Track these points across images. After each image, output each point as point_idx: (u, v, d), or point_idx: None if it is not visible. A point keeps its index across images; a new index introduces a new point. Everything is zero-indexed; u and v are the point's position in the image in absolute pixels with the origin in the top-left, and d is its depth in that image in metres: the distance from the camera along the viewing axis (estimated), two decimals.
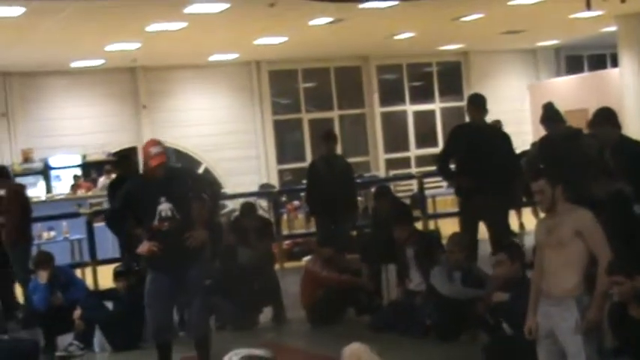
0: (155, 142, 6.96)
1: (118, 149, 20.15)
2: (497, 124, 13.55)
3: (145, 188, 6.98)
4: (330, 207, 10.54)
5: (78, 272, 11.67)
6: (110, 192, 11.04)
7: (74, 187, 18.49)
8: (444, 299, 8.07)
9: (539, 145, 9.31)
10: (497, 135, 9.48)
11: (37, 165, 18.79)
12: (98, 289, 11.42)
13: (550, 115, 9.00)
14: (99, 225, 14.21)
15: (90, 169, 19.63)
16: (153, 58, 19.54)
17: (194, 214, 7.09)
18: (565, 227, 5.57)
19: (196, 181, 7.24)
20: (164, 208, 6.82)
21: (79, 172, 19.43)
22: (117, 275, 9.38)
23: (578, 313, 5.51)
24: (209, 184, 7.35)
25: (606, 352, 6.05)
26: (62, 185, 19.10)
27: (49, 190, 18.94)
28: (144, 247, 6.88)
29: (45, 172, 19.16)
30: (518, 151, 10.76)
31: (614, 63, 23.29)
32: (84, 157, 19.79)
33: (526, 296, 6.21)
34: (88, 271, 12.87)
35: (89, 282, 11.87)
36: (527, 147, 15.64)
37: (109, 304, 9.32)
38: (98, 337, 9.10)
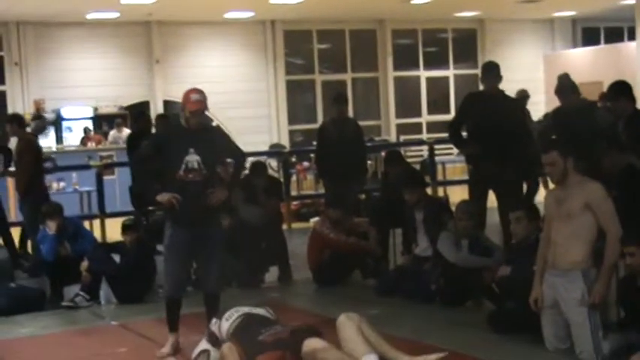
0: (197, 90, 6.90)
1: (130, 103, 20.22)
2: (523, 93, 13.49)
3: (177, 136, 6.93)
4: (339, 169, 10.53)
5: (86, 224, 11.72)
6: (130, 145, 11.04)
7: (85, 140, 18.53)
8: (450, 265, 8.09)
9: (553, 116, 9.27)
10: (509, 104, 9.43)
11: (49, 115, 18.81)
12: (106, 241, 11.48)
13: (565, 86, 8.95)
14: (108, 178, 14.33)
15: (101, 121, 19.66)
16: (168, 12, 19.47)
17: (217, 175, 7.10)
18: (575, 199, 5.58)
19: (228, 145, 7.19)
20: (191, 159, 6.76)
21: (90, 124, 19.46)
22: (125, 228, 9.42)
23: (585, 285, 5.53)
24: (238, 152, 7.28)
25: (610, 324, 6.07)
26: (73, 137, 19.14)
27: (59, 141, 18.99)
28: (164, 197, 6.78)
29: (57, 122, 19.19)
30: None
31: (631, 36, 23.11)
32: (95, 109, 19.81)
33: (527, 268, 6.25)
34: (97, 223, 12.93)
35: (97, 234, 11.94)
36: (540, 117, 15.63)
37: (117, 257, 9.36)
38: (104, 289, 9.16)
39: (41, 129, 14.27)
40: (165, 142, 7.01)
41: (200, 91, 6.89)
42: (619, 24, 26.04)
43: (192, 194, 6.74)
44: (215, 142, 7.00)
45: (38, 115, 16.24)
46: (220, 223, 7.23)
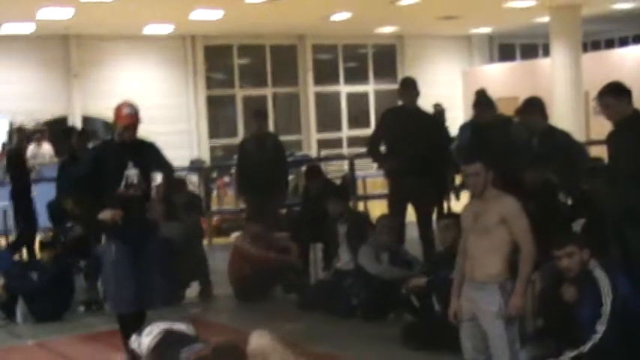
0: (128, 104, 6.85)
1: (48, 118, 19.89)
2: (438, 107, 13.67)
3: (114, 151, 6.85)
4: (260, 184, 10.53)
5: (2, 241, 11.49)
6: (61, 173, 10.76)
7: (1, 154, 18.14)
8: (371, 279, 8.15)
9: (470, 131, 9.42)
10: (427, 119, 9.57)
11: None
12: (23, 258, 11.26)
13: (482, 101, 9.11)
14: None
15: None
16: (86, 26, 19.25)
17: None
18: (491, 213, 5.67)
19: (160, 158, 7.13)
20: (131, 173, 6.71)
21: (6, 138, 19.05)
22: (43, 246, 9.27)
23: (502, 298, 5.62)
24: (168, 166, 7.22)
25: (527, 335, 6.18)
26: None
27: None
28: (107, 215, 6.70)
29: None
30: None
31: (546, 53, 23.64)
32: (11, 124, 19.41)
33: (444, 279, 6.34)
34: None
35: None
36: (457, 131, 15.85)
37: (34, 275, 9.19)
38: (21, 307, 8.98)
39: None
40: (102, 158, 6.91)
41: (131, 105, 6.85)
42: (534, 41, 26.65)
43: (133, 209, 6.69)
44: (151, 155, 6.95)
45: None
46: (156, 238, 7.10)
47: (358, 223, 9.02)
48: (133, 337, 5.91)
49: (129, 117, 6.76)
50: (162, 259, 7.12)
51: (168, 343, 5.73)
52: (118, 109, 6.81)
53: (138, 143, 6.89)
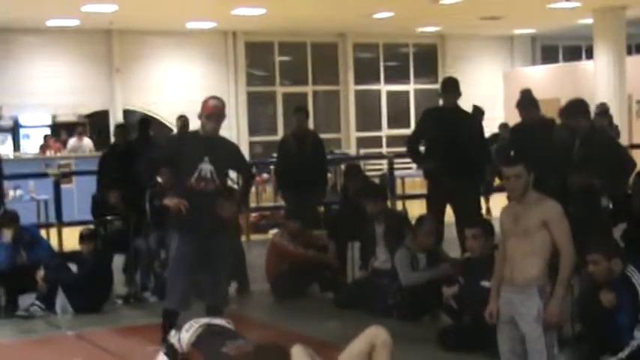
0: (216, 97, 6.89)
1: (89, 112, 20.09)
2: (477, 109, 13.58)
3: (192, 142, 6.85)
4: (299, 182, 10.55)
5: (43, 233, 11.61)
6: (102, 167, 10.87)
7: (43, 147, 18.37)
8: None
9: (512, 132, 9.37)
10: (468, 119, 9.52)
11: (6, 122, 18.63)
12: (62, 250, 11.38)
13: (526, 101, 9.04)
14: (67, 186, 14.21)
15: (59, 129, 19.48)
16: (129, 21, 19.39)
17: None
18: (532, 217, 5.62)
19: (238, 157, 7.13)
20: (205, 168, 6.69)
21: (48, 131, 19.30)
22: (82, 238, 9.34)
23: (540, 301, 5.58)
24: (247, 166, 7.23)
25: (565, 340, 6.15)
26: (31, 144, 18.96)
27: (17, 148, 18.81)
28: (172, 201, 6.68)
29: (14, 129, 19.00)
30: (488, 135, 10.82)
31: (589, 55, 23.43)
32: (54, 117, 19.65)
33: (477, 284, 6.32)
34: (53, 232, 12.80)
35: (54, 243, 11.81)
36: (496, 131, 15.77)
37: (74, 267, 9.28)
38: (60, 299, 9.06)
39: None
40: (179, 147, 6.94)
41: (218, 98, 6.90)
42: (577, 43, 26.41)
43: (202, 204, 6.65)
44: (228, 152, 6.96)
45: None
46: (227, 234, 7.06)
47: (396, 223, 8.99)
48: (172, 333, 5.92)
49: (214, 107, 6.77)
50: (226, 258, 7.09)
51: (209, 337, 5.74)
52: (205, 101, 6.83)
53: (218, 140, 6.89)
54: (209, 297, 7.04)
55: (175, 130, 12.43)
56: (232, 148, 7.09)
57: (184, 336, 5.74)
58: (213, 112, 6.76)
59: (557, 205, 5.68)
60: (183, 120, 12.88)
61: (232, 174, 16.78)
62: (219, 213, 6.71)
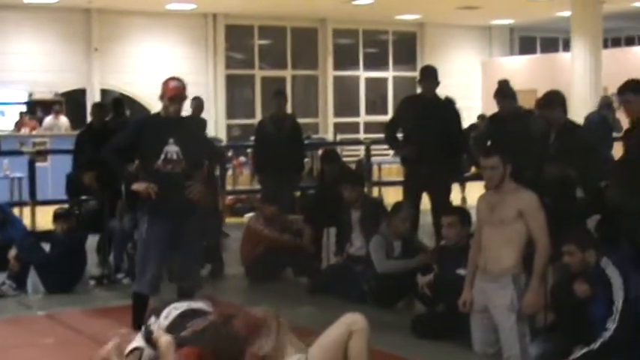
0: (176, 78, 6.82)
1: (66, 90, 19.96)
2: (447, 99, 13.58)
3: (155, 125, 6.79)
4: (276, 166, 10.53)
5: (16, 211, 11.54)
6: (79, 146, 10.77)
7: (18, 125, 18.23)
8: None
9: (489, 122, 9.39)
10: (445, 108, 9.52)
11: None
12: (36, 229, 11.31)
13: (504, 91, 9.05)
14: (41, 165, 14.11)
15: (36, 107, 19.35)
16: (109, 0, 19.25)
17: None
18: (508, 206, 5.65)
19: (206, 139, 7.07)
20: (171, 149, 6.64)
21: (24, 109, 19.15)
22: (56, 217, 9.27)
23: (514, 291, 5.61)
24: (214, 146, 7.16)
25: (537, 330, 6.18)
26: (6, 121, 18.81)
27: None
28: (141, 186, 6.65)
29: None
30: (466, 124, 10.84)
31: (566, 47, 23.53)
32: (30, 94, 19.50)
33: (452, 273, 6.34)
34: (27, 210, 12.72)
35: (27, 222, 11.74)
36: (475, 120, 15.82)
37: (47, 246, 9.22)
38: (32, 279, 8.99)
39: None
40: (143, 130, 6.85)
41: (179, 79, 6.82)
42: (555, 35, 26.52)
43: (170, 186, 6.61)
44: (196, 133, 6.90)
45: None
46: (197, 215, 6.98)
47: (372, 209, 9.00)
48: (152, 319, 5.81)
49: (175, 89, 6.72)
50: (198, 240, 7.05)
51: (181, 321, 5.71)
52: (165, 82, 6.77)
53: (183, 120, 6.83)
54: (181, 279, 7.02)
55: (191, 112, 12.28)
56: (197, 127, 7.03)
57: (163, 323, 5.69)
58: (176, 94, 6.72)
59: (533, 195, 5.71)
60: (197, 102, 12.71)
61: None
62: (189, 195, 6.68)
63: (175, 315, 5.70)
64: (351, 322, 5.17)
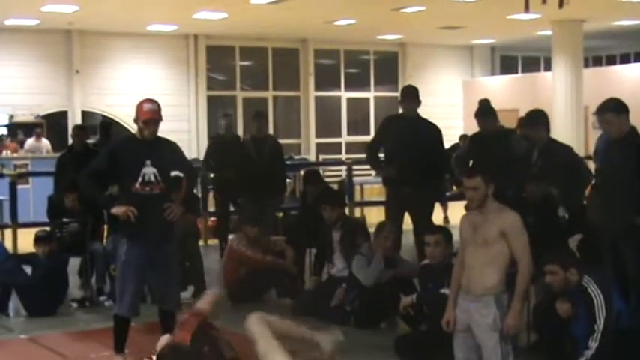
0: (150, 100, 6.74)
1: (47, 112, 19.91)
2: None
3: (132, 147, 6.74)
4: (257, 187, 10.53)
5: None
6: (60, 168, 10.73)
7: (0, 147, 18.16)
8: (364, 287, 8.14)
9: (470, 141, 9.43)
10: (427, 127, 9.56)
11: None
12: (17, 252, 11.25)
13: (485, 110, 9.11)
14: (23, 187, 14.05)
15: (16, 129, 19.28)
16: (89, 22, 19.26)
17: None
18: (492, 226, 5.66)
19: (181, 158, 7.03)
20: (148, 172, 6.60)
21: (4, 131, 19.09)
22: (38, 240, 9.24)
23: (497, 310, 5.62)
24: (190, 166, 7.11)
25: (520, 349, 6.19)
26: None
27: None
28: (120, 210, 6.61)
29: None
30: (447, 144, 10.88)
31: (548, 66, 23.69)
32: (11, 117, 19.44)
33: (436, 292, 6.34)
34: (8, 233, 12.66)
35: (8, 244, 11.68)
36: (457, 141, 15.87)
37: (28, 269, 9.17)
38: (14, 301, 8.97)
39: None
40: (120, 153, 6.79)
41: (153, 101, 6.74)
42: (536, 54, 26.68)
43: (149, 208, 6.58)
44: (170, 154, 6.87)
45: None
46: (174, 238, 6.97)
47: (352, 230, 9.00)
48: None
49: (150, 112, 6.64)
50: (176, 261, 7.02)
51: None
52: (140, 105, 6.70)
53: (158, 141, 6.79)
54: (161, 301, 7.00)
55: (222, 130, 12.37)
56: (172, 149, 6.99)
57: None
58: (150, 117, 6.64)
59: (516, 216, 5.72)
60: (228, 119, 12.70)
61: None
62: (168, 216, 6.66)
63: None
64: None
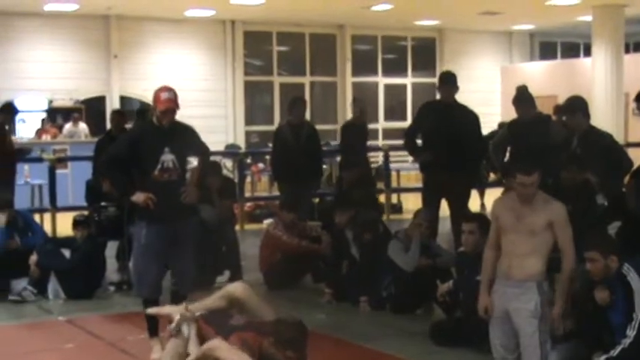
0: (167, 88, 6.78)
1: (85, 97, 20.06)
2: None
3: (151, 135, 6.79)
4: (294, 173, 10.54)
5: (37, 218, 11.60)
6: (98, 153, 10.81)
7: (39, 132, 18.33)
8: (401, 273, 8.13)
9: (508, 128, 9.36)
10: (465, 114, 9.50)
11: None
12: (56, 236, 11.36)
13: (523, 97, 9.03)
14: (62, 172, 14.18)
15: (55, 114, 19.45)
16: (128, 7, 19.33)
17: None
18: (539, 217, 5.61)
19: (198, 144, 7.08)
20: (167, 158, 6.68)
21: (44, 116, 19.26)
22: (76, 224, 9.33)
23: (539, 297, 5.59)
24: (206, 150, 7.19)
25: (557, 336, 6.15)
26: (26, 128, 18.92)
27: (12, 132, 18.74)
28: (140, 197, 6.67)
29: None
30: (485, 131, 10.81)
31: (587, 52, 23.43)
32: (50, 101, 19.61)
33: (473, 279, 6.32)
34: (47, 217, 12.79)
35: (48, 228, 11.81)
36: (495, 127, 15.77)
37: (67, 252, 9.26)
38: (53, 284, 9.06)
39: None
40: (139, 140, 6.85)
41: (170, 89, 6.77)
42: (576, 40, 26.41)
43: (168, 194, 6.64)
44: (187, 140, 6.91)
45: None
46: (193, 222, 7.06)
47: (360, 230, 8.95)
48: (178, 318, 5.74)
49: (167, 101, 6.68)
50: (197, 244, 7.07)
51: (217, 312, 5.67)
52: (157, 94, 6.75)
53: (176, 128, 6.82)
54: (176, 283, 7.07)
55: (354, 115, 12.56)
56: (190, 133, 7.03)
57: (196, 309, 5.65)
58: (168, 107, 6.68)
59: (563, 207, 5.68)
60: (360, 104, 12.79)
61: (228, 163, 16.77)
62: (184, 201, 6.72)
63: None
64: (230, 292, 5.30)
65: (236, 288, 5.76)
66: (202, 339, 5.46)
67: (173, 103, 6.71)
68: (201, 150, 7.12)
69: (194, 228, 7.03)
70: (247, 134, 22.25)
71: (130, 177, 6.88)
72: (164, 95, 6.70)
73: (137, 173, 6.80)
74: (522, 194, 5.70)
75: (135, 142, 6.88)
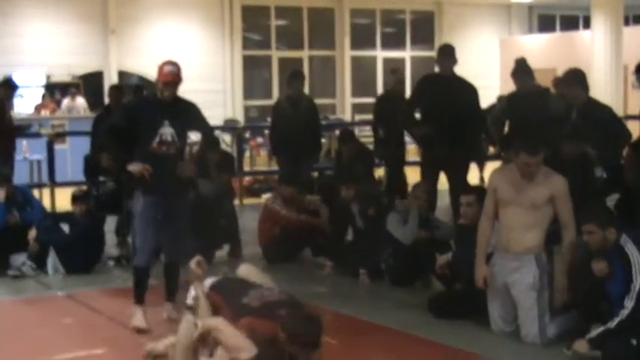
0: (171, 62, 6.83)
1: (83, 72, 19.99)
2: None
3: (151, 107, 6.86)
4: (292, 147, 10.53)
5: (36, 193, 11.59)
6: (96, 128, 10.80)
7: (38, 107, 18.28)
8: (400, 245, 8.14)
9: (507, 101, 9.34)
10: (464, 87, 9.47)
11: None
12: (55, 211, 11.37)
13: (521, 69, 9.00)
14: (60, 147, 14.16)
15: (53, 89, 19.39)
16: None
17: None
18: (540, 191, 5.62)
19: (200, 119, 7.09)
20: (166, 132, 6.72)
21: (42, 91, 19.21)
22: (75, 199, 9.32)
23: (537, 269, 5.60)
24: (208, 127, 7.20)
25: (555, 308, 6.17)
26: (24, 104, 18.87)
27: (11, 107, 18.68)
28: (136, 167, 6.71)
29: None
30: (484, 104, 10.78)
31: (586, 25, 23.35)
32: (48, 77, 19.54)
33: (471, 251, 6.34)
34: (46, 192, 12.79)
35: (46, 203, 11.81)
36: (494, 101, 15.73)
37: (66, 227, 9.27)
38: (52, 259, 9.06)
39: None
40: (138, 112, 6.90)
41: (174, 63, 6.82)
42: (575, 12, 26.31)
43: (164, 167, 6.68)
44: (189, 115, 6.93)
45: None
46: (188, 196, 7.16)
47: (366, 205, 8.93)
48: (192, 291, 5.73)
49: (170, 74, 6.73)
50: (194, 217, 7.11)
51: (230, 283, 5.63)
52: (161, 67, 6.79)
53: (177, 102, 6.86)
54: (167, 253, 7.14)
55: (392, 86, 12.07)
56: (192, 108, 7.04)
57: (207, 282, 5.60)
58: (170, 80, 6.73)
59: (564, 181, 5.69)
60: (398, 75, 12.57)
61: (226, 137, 16.75)
62: (180, 175, 6.77)
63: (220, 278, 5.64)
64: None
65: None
66: (214, 308, 5.43)
67: (176, 77, 6.74)
68: (204, 127, 7.11)
69: (189, 205, 7.09)
70: (246, 109, 22.23)
71: (130, 150, 6.89)
72: (167, 68, 6.76)
73: (136, 145, 6.81)
74: (525, 172, 5.70)
75: (134, 111, 6.96)
